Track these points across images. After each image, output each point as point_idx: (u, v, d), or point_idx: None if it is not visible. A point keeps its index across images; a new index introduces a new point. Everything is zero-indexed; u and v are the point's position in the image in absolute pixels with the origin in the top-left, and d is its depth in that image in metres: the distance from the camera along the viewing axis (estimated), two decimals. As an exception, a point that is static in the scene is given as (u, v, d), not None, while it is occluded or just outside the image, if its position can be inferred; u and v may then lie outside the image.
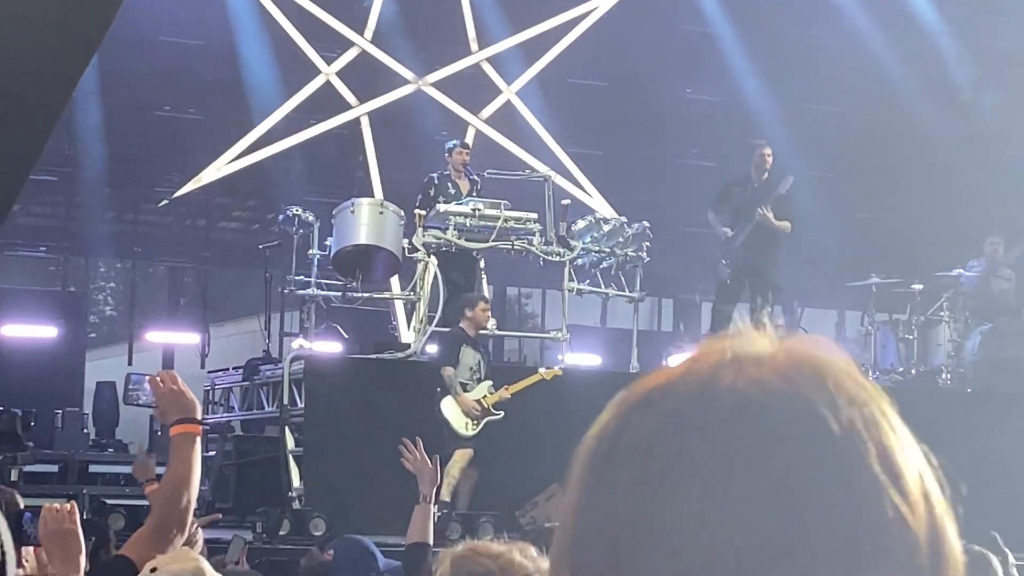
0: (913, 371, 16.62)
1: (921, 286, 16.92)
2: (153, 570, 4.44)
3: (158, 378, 4.85)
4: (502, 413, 13.52)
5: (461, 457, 13.35)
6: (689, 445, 1.06)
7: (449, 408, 13.42)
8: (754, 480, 1.04)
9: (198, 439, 4.76)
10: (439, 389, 13.51)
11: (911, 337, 16.78)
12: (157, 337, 23.24)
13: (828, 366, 1.12)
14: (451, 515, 12.74)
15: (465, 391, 13.53)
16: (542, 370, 13.93)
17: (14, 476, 10.60)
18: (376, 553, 7.38)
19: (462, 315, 13.91)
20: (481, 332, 13.94)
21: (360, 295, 14.71)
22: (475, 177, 15.55)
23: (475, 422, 13.43)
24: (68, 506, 4.46)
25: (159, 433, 16.47)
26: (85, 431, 18.08)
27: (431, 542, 6.60)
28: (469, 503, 13.36)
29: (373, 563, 7.20)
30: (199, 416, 4.77)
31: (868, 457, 1.08)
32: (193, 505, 4.69)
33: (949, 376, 16.52)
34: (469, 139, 19.86)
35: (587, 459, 1.12)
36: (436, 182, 15.39)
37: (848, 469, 1.06)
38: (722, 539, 1.04)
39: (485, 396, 13.56)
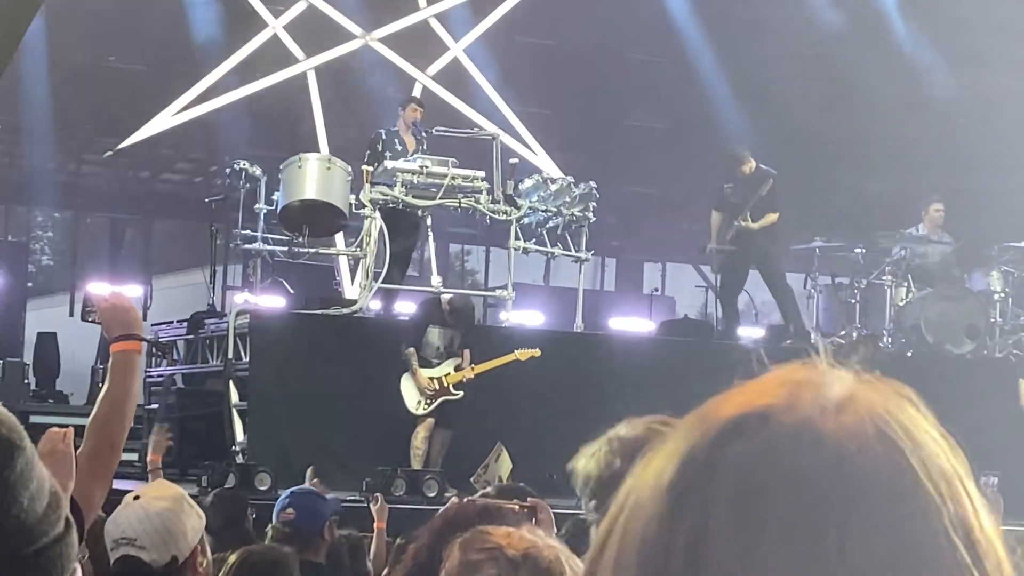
0: (855, 334, 16.74)
1: (864, 250, 17.04)
2: (136, 497, 4.45)
3: (104, 293, 4.78)
4: (461, 394, 13.44)
5: (422, 428, 13.38)
6: (790, 489, 1.05)
7: (406, 385, 13.40)
8: (849, 536, 1.04)
9: (138, 356, 4.68)
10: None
11: (853, 301, 16.90)
12: (98, 289, 23.09)
13: (916, 425, 1.13)
14: (396, 471, 12.78)
15: (430, 367, 13.50)
16: (518, 352, 13.79)
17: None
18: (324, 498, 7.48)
19: (450, 305, 13.81)
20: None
21: (306, 250, 14.69)
22: (422, 135, 15.52)
23: (427, 401, 13.38)
24: (65, 431, 4.44)
25: (100, 385, 16.42)
26: (26, 382, 18.00)
27: None
28: (441, 463, 13.38)
29: (325, 507, 7.28)
30: (141, 333, 4.68)
31: (952, 530, 1.07)
32: (128, 426, 4.56)
33: (890, 340, 16.66)
34: (416, 95, 19.82)
35: (670, 477, 1.09)
36: (384, 137, 15.36)
37: (936, 542, 1.06)
38: None
39: (448, 374, 13.51)
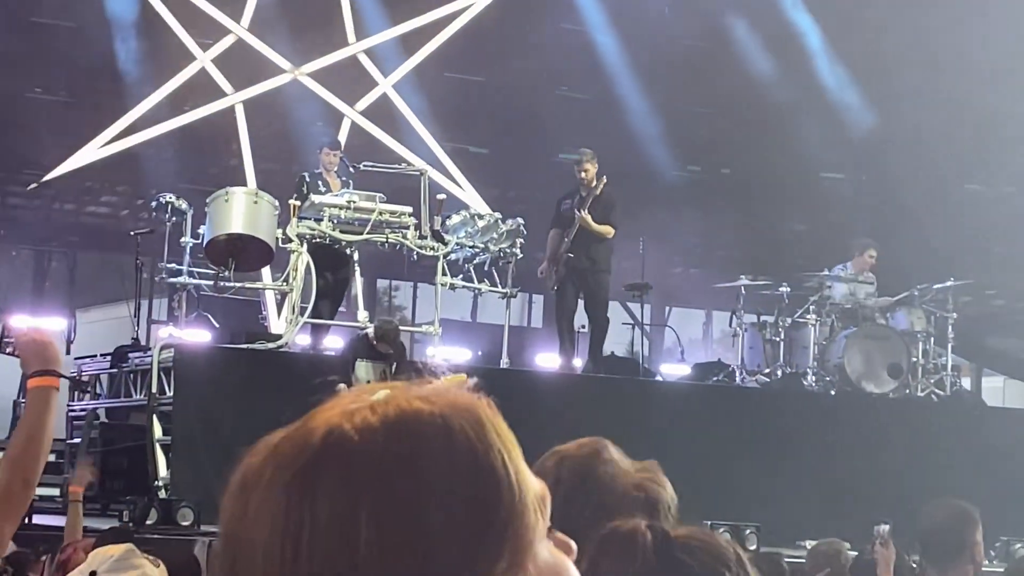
0: (779, 372, 16.81)
1: (789, 288, 17.13)
2: (92, 573, 4.34)
3: (24, 326, 4.66)
4: None
5: None
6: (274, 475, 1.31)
7: None
8: (329, 498, 1.26)
9: (55, 393, 4.58)
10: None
11: (778, 339, 16.97)
12: (21, 322, 22.90)
13: (423, 409, 1.34)
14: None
15: None
16: (444, 379, 13.69)
17: None
18: None
19: (377, 331, 13.77)
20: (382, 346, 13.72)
21: (232, 284, 14.63)
22: (346, 178, 15.51)
23: None
24: None
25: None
26: (-54, 415, 17.81)
27: None
28: None
29: None
30: (60, 369, 4.58)
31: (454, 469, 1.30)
32: (43, 463, 4.42)
33: (814, 378, 16.75)
34: (345, 130, 19.81)
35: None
36: (307, 180, 15.36)
37: (439, 477, 1.28)
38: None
39: None
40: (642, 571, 2.28)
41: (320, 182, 15.37)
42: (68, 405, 16.10)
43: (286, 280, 14.82)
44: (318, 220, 14.61)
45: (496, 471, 1.29)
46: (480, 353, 18.67)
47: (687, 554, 2.34)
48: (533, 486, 1.33)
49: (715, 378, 17.11)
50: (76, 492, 9.18)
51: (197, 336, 15.16)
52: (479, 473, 1.28)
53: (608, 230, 15.89)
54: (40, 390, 4.47)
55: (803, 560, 9.67)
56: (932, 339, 17.23)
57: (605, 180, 15.98)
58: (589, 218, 15.76)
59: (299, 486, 1.28)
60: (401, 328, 20.36)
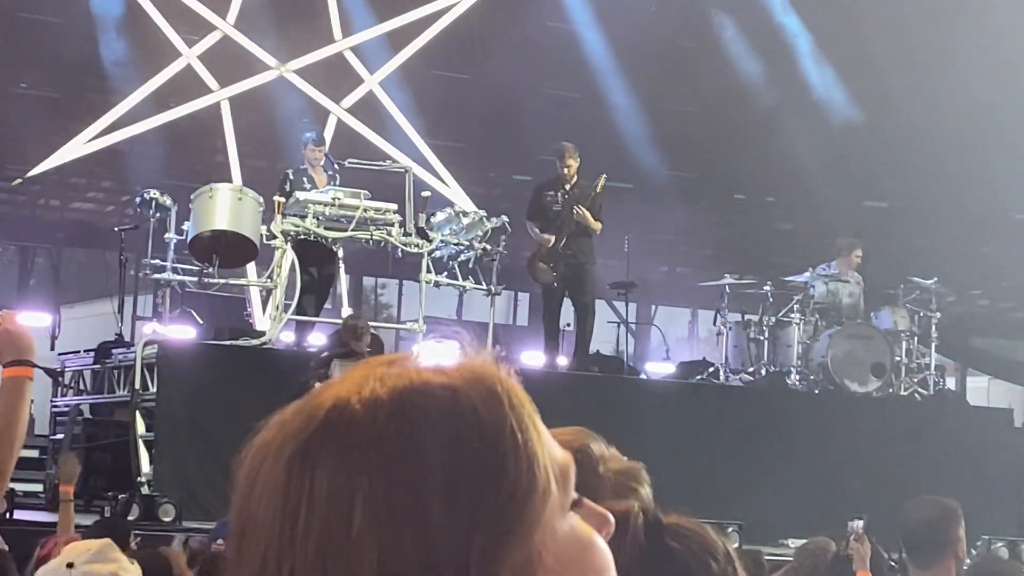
0: (763, 371, 16.83)
1: (773, 287, 17.14)
2: (70, 565, 4.32)
3: None
4: None
5: None
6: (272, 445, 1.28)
7: None
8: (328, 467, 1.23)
9: (29, 383, 4.50)
10: None
11: (762, 338, 16.99)
12: None
13: (436, 383, 1.27)
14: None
15: None
16: None
17: None
18: None
19: (344, 328, 13.78)
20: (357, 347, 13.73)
21: (216, 281, 14.61)
22: (332, 172, 15.50)
23: None
24: None
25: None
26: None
27: None
28: None
29: None
30: (34, 359, 4.50)
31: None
32: (17, 453, 4.43)
33: (798, 377, 16.77)
34: (331, 127, 19.79)
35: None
36: (291, 177, 15.33)
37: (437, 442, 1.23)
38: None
39: None
40: (631, 554, 2.28)
41: (305, 178, 15.35)
42: (51, 401, 16.08)
43: (270, 277, 14.80)
44: (302, 217, 14.60)
45: (502, 445, 1.24)
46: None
47: (677, 540, 2.34)
48: (554, 457, 1.28)
49: (699, 376, 17.11)
50: (67, 492, 9.07)
51: (181, 332, 15.13)
52: (483, 447, 1.23)
53: (599, 226, 15.93)
54: (14, 380, 4.44)
55: (785, 558, 9.68)
56: (916, 338, 17.27)
57: (606, 179, 15.99)
58: (589, 215, 15.79)
59: (300, 462, 1.23)
60: (385, 325, 20.40)
